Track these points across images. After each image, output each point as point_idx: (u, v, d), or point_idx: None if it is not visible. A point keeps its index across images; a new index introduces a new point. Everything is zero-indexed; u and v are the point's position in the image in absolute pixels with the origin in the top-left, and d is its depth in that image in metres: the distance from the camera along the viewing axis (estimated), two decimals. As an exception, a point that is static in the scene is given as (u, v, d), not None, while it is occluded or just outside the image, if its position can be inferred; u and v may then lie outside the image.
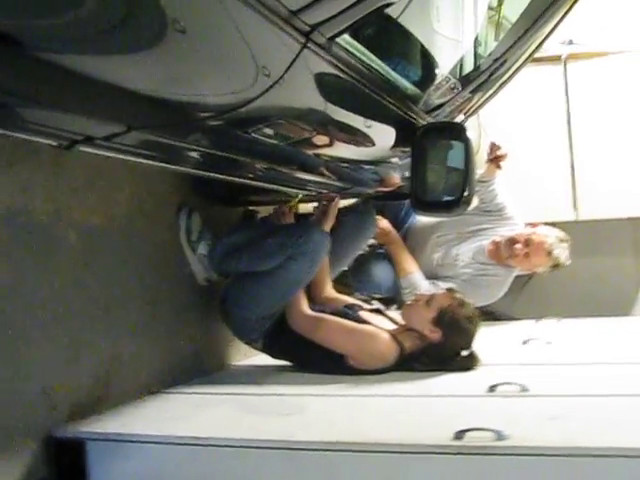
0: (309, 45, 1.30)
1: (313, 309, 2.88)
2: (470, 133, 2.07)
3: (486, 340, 2.84)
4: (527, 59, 2.31)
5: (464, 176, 2.08)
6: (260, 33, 1.20)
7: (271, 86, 1.34)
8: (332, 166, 2.18)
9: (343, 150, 2.03)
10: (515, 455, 1.77)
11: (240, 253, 2.81)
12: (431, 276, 3.66)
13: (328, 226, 2.99)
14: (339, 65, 1.46)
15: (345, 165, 2.23)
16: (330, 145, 1.92)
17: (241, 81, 1.34)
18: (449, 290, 2.92)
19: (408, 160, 2.22)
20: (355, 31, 1.40)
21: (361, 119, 1.85)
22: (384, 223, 3.61)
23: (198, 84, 1.31)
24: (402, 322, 2.91)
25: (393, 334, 2.78)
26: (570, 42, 4.51)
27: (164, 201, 2.81)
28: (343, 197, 3.10)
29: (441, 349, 2.75)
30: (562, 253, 3.58)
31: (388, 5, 1.37)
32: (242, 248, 2.82)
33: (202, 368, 2.94)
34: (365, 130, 1.92)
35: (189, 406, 2.41)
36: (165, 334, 2.74)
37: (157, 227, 2.76)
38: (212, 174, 2.05)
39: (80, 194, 2.34)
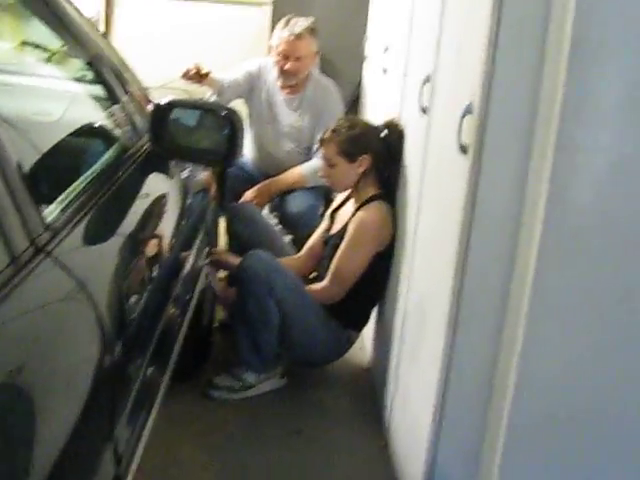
0: (48, 254, 1.27)
1: (323, 276, 2.89)
2: (164, 99, 2.06)
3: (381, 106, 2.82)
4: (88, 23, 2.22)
5: (208, 112, 2.13)
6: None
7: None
8: (178, 244, 2.14)
9: (166, 230, 2.00)
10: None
11: (257, 338, 2.77)
12: (308, 156, 3.69)
13: (235, 259, 2.93)
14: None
15: (182, 228, 2.20)
16: (157, 245, 1.88)
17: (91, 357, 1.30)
18: (321, 140, 2.93)
19: (189, 165, 2.35)
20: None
21: (139, 203, 1.84)
22: (248, 195, 3.59)
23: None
24: (348, 192, 2.94)
25: (362, 202, 2.83)
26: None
27: (195, 412, 2.76)
28: (214, 231, 3.05)
29: (382, 157, 2.82)
30: (299, 22, 3.57)
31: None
32: (252, 335, 2.77)
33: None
34: (150, 208, 1.91)
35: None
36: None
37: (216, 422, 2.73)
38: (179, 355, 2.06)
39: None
